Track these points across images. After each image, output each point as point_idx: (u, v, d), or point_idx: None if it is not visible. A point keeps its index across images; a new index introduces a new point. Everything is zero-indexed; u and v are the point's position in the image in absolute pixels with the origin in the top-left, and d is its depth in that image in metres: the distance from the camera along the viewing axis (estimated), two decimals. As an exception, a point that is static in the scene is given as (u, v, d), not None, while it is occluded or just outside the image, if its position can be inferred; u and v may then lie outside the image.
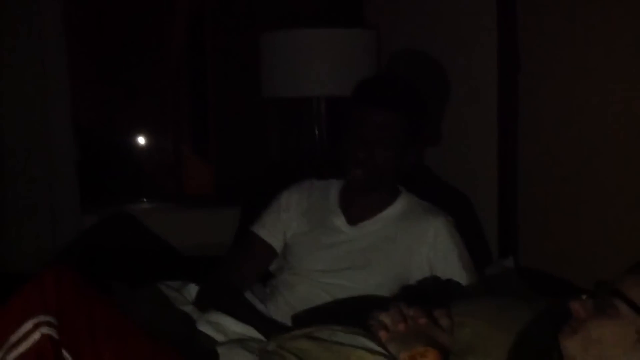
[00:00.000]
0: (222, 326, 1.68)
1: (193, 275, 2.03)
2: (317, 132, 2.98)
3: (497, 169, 2.27)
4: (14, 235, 2.70)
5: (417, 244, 1.86)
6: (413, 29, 2.84)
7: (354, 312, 1.42)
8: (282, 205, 2.02)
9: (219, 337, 1.65)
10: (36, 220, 2.73)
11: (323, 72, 2.76)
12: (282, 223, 2.00)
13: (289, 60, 2.77)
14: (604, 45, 1.83)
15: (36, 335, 1.25)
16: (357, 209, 1.94)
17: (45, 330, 1.26)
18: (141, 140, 3.69)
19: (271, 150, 3.39)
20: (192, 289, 1.96)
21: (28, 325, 1.26)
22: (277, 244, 2.01)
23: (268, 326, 1.71)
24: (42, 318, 1.27)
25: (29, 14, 2.64)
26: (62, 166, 2.79)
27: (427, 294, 1.79)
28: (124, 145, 3.70)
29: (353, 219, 1.94)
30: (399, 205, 1.94)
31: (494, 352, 1.21)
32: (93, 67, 3.55)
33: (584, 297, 1.18)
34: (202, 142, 3.85)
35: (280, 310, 1.89)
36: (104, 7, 3.51)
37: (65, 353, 1.25)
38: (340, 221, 1.94)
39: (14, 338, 1.25)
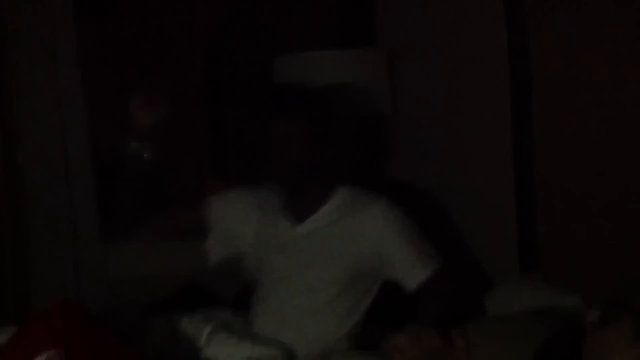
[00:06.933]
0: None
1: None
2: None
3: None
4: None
5: (362, 233, 1.91)
6: None
7: None
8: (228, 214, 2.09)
9: None
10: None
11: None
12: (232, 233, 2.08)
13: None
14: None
15: None
16: (297, 210, 1.98)
17: None
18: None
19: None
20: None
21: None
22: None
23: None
24: (52, 352, 1.32)
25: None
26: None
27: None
28: None
29: (297, 218, 1.98)
30: (338, 199, 1.98)
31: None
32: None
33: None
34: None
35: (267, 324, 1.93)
36: None
37: None
38: (287, 222, 1.98)
39: None
